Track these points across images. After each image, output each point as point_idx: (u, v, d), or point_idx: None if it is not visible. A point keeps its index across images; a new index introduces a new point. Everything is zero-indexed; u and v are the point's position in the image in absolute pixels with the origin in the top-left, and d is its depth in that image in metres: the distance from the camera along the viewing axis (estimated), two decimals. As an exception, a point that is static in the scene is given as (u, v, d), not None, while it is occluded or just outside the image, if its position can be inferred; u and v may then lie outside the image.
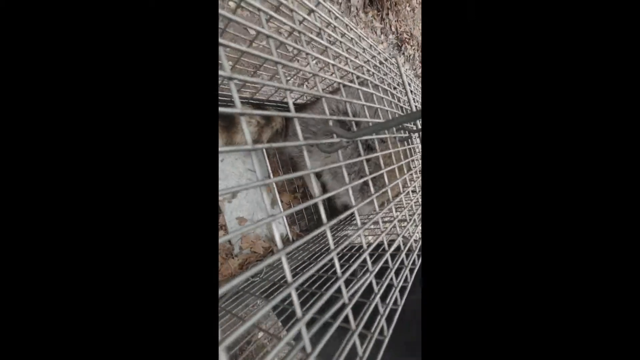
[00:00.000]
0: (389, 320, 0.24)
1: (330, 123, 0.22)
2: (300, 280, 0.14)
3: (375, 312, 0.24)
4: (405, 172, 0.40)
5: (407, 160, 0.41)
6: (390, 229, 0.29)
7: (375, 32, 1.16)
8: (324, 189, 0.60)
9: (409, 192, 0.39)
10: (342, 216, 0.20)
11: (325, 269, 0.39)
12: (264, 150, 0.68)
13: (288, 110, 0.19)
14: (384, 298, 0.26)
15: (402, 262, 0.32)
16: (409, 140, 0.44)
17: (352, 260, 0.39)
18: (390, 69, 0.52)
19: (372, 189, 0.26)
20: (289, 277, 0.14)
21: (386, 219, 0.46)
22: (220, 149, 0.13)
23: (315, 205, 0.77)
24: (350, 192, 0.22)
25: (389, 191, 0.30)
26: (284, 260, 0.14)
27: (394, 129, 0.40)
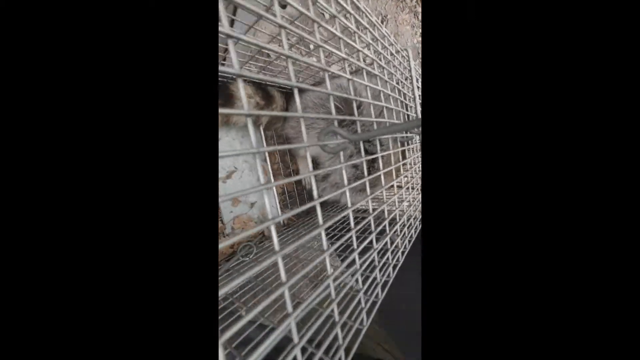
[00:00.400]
0: (369, 312, 0.26)
1: (335, 123, 0.22)
2: (293, 281, 0.15)
3: (357, 303, 0.26)
4: (402, 172, 0.40)
5: (404, 161, 0.41)
6: (380, 228, 0.31)
7: (417, 17, 1.12)
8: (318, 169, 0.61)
9: (402, 192, 0.40)
10: (337, 218, 0.21)
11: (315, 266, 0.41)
12: (262, 133, 0.66)
13: (290, 92, 0.18)
14: (366, 292, 0.28)
15: (387, 259, 0.34)
16: (410, 141, 0.44)
17: (342, 257, 0.40)
18: (400, 62, 0.50)
19: (368, 190, 0.27)
20: (283, 277, 0.15)
21: (379, 215, 0.48)
22: (226, 153, 0.13)
23: (310, 192, 0.77)
24: (348, 194, 0.23)
25: (384, 192, 0.31)
26: (280, 262, 0.15)
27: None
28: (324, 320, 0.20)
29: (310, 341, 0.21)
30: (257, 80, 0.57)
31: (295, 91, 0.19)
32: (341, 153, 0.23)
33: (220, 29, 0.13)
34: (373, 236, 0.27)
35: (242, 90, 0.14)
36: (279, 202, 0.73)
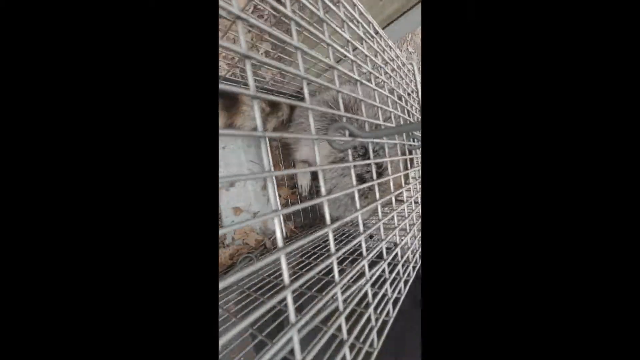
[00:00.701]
0: (379, 332, 0.23)
1: (344, 119, 0.21)
2: (297, 284, 0.13)
3: (367, 321, 0.23)
4: (411, 181, 0.39)
5: (413, 169, 0.40)
6: (390, 237, 0.28)
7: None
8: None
9: (412, 201, 0.38)
10: (346, 219, 0.19)
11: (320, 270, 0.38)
12: (267, 141, 0.67)
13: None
14: (376, 308, 0.25)
15: (397, 273, 0.31)
16: (416, 150, 0.43)
17: (351, 262, 0.37)
18: (406, 74, 0.51)
19: (377, 194, 0.25)
20: (286, 279, 0.13)
21: (387, 226, 0.45)
22: (226, 131, 0.12)
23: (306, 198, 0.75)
24: (357, 195, 0.21)
25: (393, 198, 0.29)
26: (282, 260, 0.13)
27: (404, 136, 0.39)
28: (329, 339, 0.18)
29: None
30: (268, 98, 0.58)
31: (304, 82, 0.18)
32: (349, 151, 0.21)
33: (237, 49, 0.13)
34: (383, 244, 0.25)
35: (257, 112, 0.14)
36: (283, 214, 0.71)
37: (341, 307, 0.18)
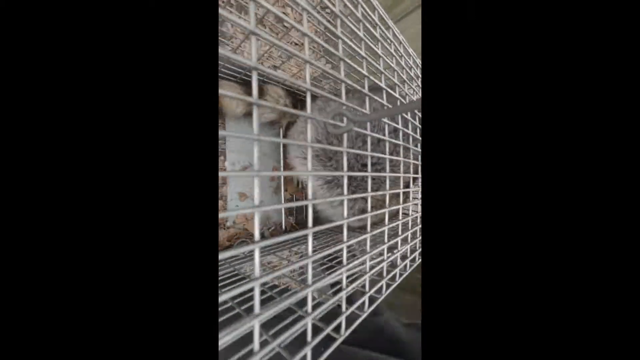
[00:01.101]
0: (349, 322, 0.23)
1: (344, 108, 0.22)
2: (267, 278, 0.14)
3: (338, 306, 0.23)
4: (413, 186, 0.38)
5: (416, 177, 0.40)
6: (378, 232, 0.28)
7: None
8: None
9: (409, 207, 0.37)
10: (328, 225, 0.20)
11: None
12: (281, 133, 0.69)
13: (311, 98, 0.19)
14: (352, 302, 0.25)
15: (380, 274, 0.30)
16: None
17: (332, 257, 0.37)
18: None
19: (369, 209, 0.26)
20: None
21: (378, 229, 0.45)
22: (226, 173, 0.14)
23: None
24: (345, 203, 0.22)
25: (387, 201, 0.29)
26: (256, 253, 0.14)
27: (410, 141, 0.39)
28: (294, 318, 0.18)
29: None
30: (267, 140, 0.61)
31: (308, 94, 0.19)
32: (344, 136, 0.22)
33: (247, 62, 0.14)
34: (368, 236, 0.25)
35: (255, 153, 0.15)
36: (285, 208, 0.73)
37: (309, 280, 0.18)
